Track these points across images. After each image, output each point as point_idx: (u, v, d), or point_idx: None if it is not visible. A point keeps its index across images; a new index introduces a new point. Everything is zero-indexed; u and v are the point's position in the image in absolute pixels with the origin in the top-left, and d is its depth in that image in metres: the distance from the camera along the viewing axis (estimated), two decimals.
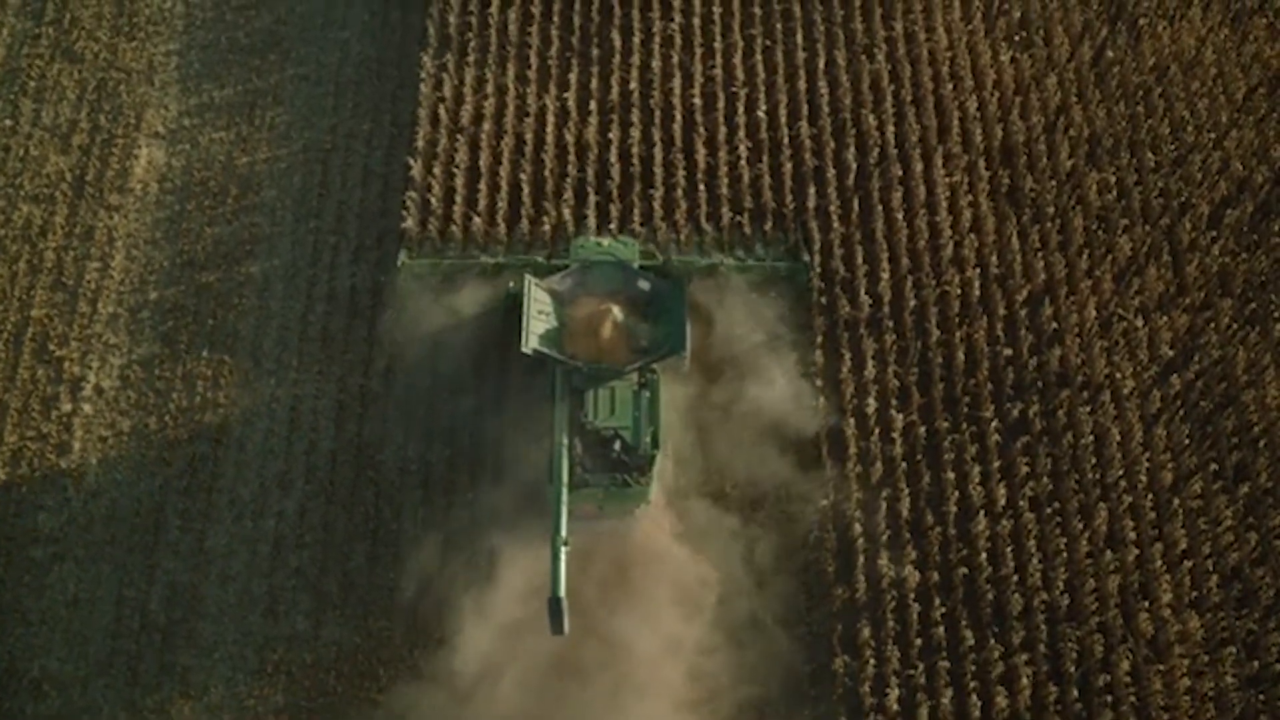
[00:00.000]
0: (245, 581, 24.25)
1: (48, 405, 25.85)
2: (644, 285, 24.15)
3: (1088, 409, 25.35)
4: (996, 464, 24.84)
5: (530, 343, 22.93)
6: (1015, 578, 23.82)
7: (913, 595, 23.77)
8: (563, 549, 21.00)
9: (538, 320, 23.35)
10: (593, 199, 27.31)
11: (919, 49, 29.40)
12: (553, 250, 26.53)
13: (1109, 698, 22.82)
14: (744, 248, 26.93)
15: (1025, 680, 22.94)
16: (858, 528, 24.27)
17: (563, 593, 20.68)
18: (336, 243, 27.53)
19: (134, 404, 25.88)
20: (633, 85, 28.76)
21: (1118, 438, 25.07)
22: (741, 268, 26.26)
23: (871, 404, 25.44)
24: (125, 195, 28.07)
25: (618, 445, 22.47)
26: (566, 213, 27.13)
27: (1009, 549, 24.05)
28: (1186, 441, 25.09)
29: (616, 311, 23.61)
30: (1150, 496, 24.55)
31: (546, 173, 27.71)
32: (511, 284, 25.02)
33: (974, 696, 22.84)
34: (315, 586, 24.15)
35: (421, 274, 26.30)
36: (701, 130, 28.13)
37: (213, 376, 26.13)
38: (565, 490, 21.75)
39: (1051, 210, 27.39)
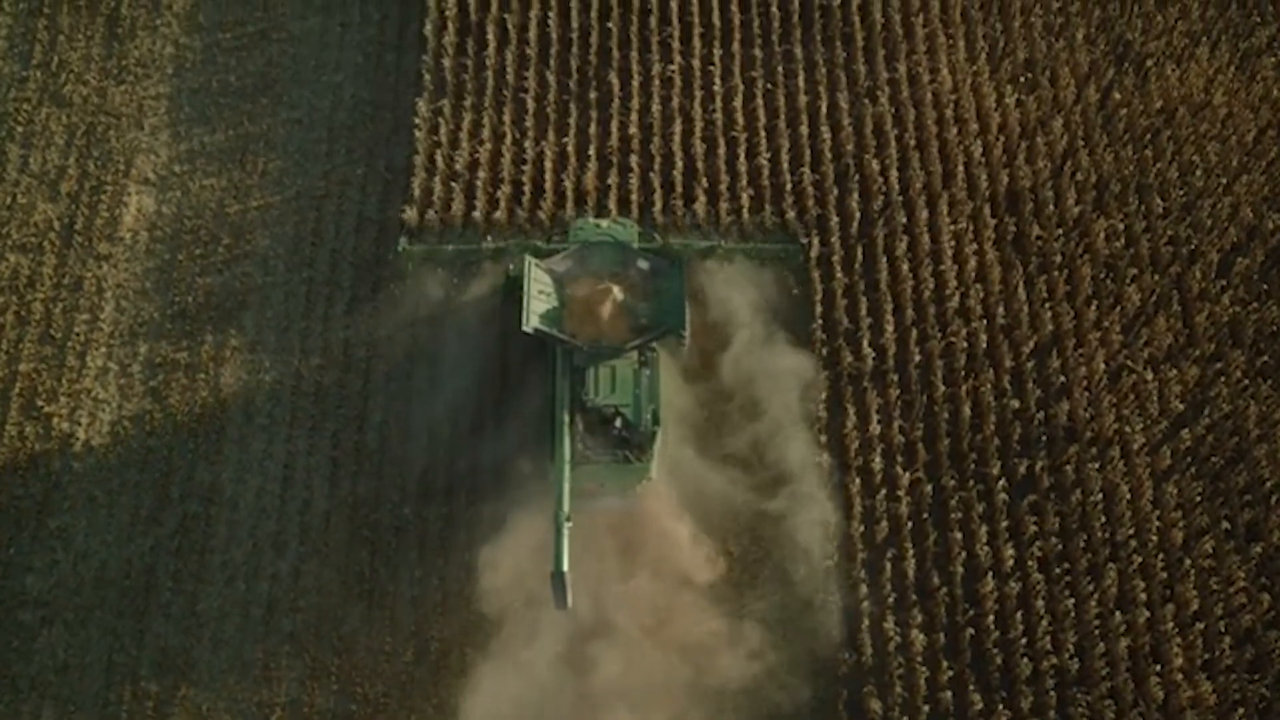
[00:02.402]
0: (238, 646, 23.73)
1: (35, 462, 25.31)
2: (643, 265, 24.22)
3: (1096, 465, 24.90)
4: (1004, 523, 24.38)
5: (531, 322, 23.06)
6: (1024, 641, 23.38)
7: (920, 659, 23.31)
8: (565, 525, 21.21)
9: (538, 300, 23.48)
10: None
11: (922, 91, 28.91)
12: (552, 233, 26.47)
13: None
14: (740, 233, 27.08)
15: None
16: (863, 589, 23.82)
17: (565, 567, 20.90)
18: (330, 293, 27.01)
19: (124, 461, 25.35)
20: (632, 130, 28.27)
21: (1127, 495, 24.62)
22: (738, 249, 26.22)
23: (877, 460, 24.97)
24: (115, 244, 27.53)
25: (618, 423, 22.67)
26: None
27: (1017, 611, 23.60)
28: (1197, 499, 24.64)
29: (616, 291, 23.71)
30: (1161, 556, 24.09)
31: (545, 221, 27.19)
32: (511, 267, 25.07)
33: None
34: (309, 651, 23.63)
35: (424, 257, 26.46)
36: (703, 178, 27.62)
37: (204, 432, 25.63)
38: (567, 467, 21.95)
39: (1058, 259, 26.92)
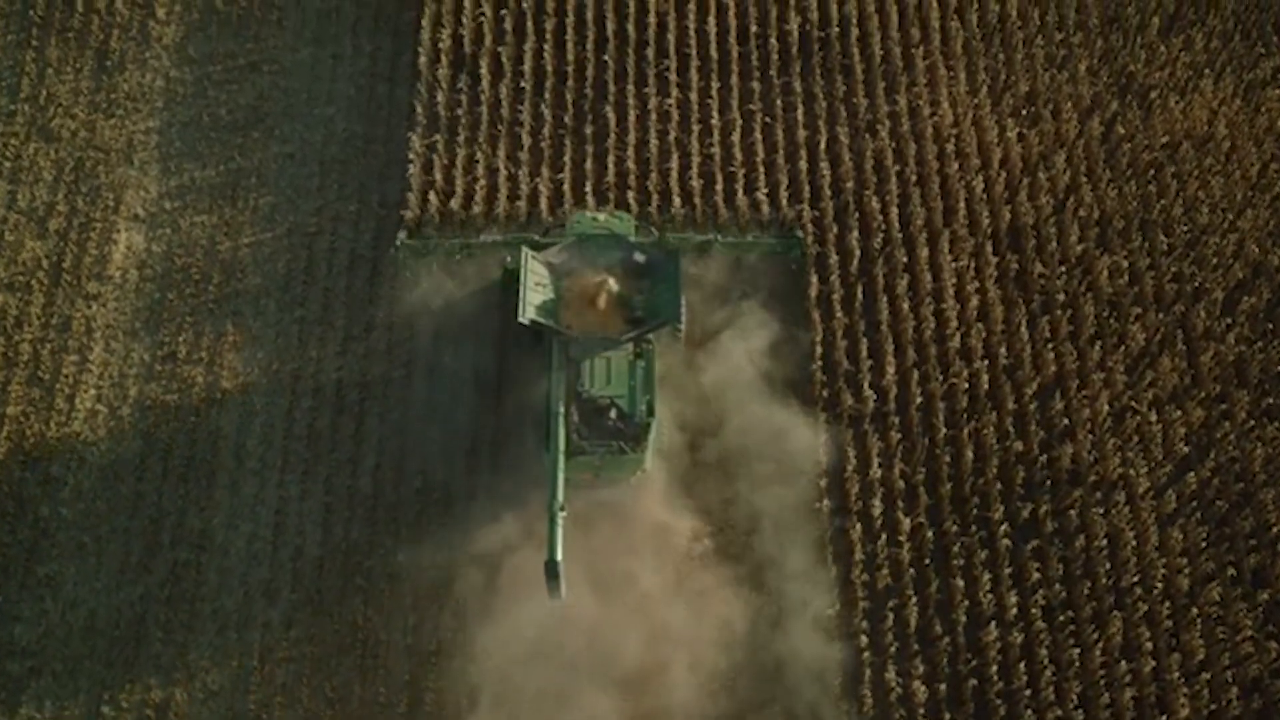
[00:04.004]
0: (229, 698, 23.34)
1: (24, 508, 24.90)
2: (639, 257, 24.42)
3: (1101, 510, 24.57)
4: (1007, 569, 24.03)
5: (527, 313, 23.24)
6: (1027, 691, 23.03)
7: (922, 710, 22.98)
8: (559, 515, 21.54)
9: (535, 291, 23.69)
10: None
11: (923, 125, 28.49)
12: (549, 227, 26.52)
13: None
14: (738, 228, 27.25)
15: None
16: (864, 638, 23.46)
17: (559, 557, 21.16)
18: (323, 333, 26.60)
19: (114, 507, 24.94)
20: (629, 165, 27.84)
21: (1132, 540, 24.28)
22: (735, 244, 26.41)
23: (877, 505, 24.61)
24: (104, 283, 27.08)
25: (613, 413, 22.95)
26: None
27: (1021, 661, 23.25)
28: (1203, 544, 24.31)
29: (612, 283, 23.95)
30: (1166, 603, 23.76)
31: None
32: (509, 259, 25.06)
33: None
34: (302, 703, 23.24)
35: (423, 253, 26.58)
36: (700, 214, 27.20)
37: (195, 477, 25.22)
38: (562, 458, 22.22)
39: (1061, 297, 26.55)
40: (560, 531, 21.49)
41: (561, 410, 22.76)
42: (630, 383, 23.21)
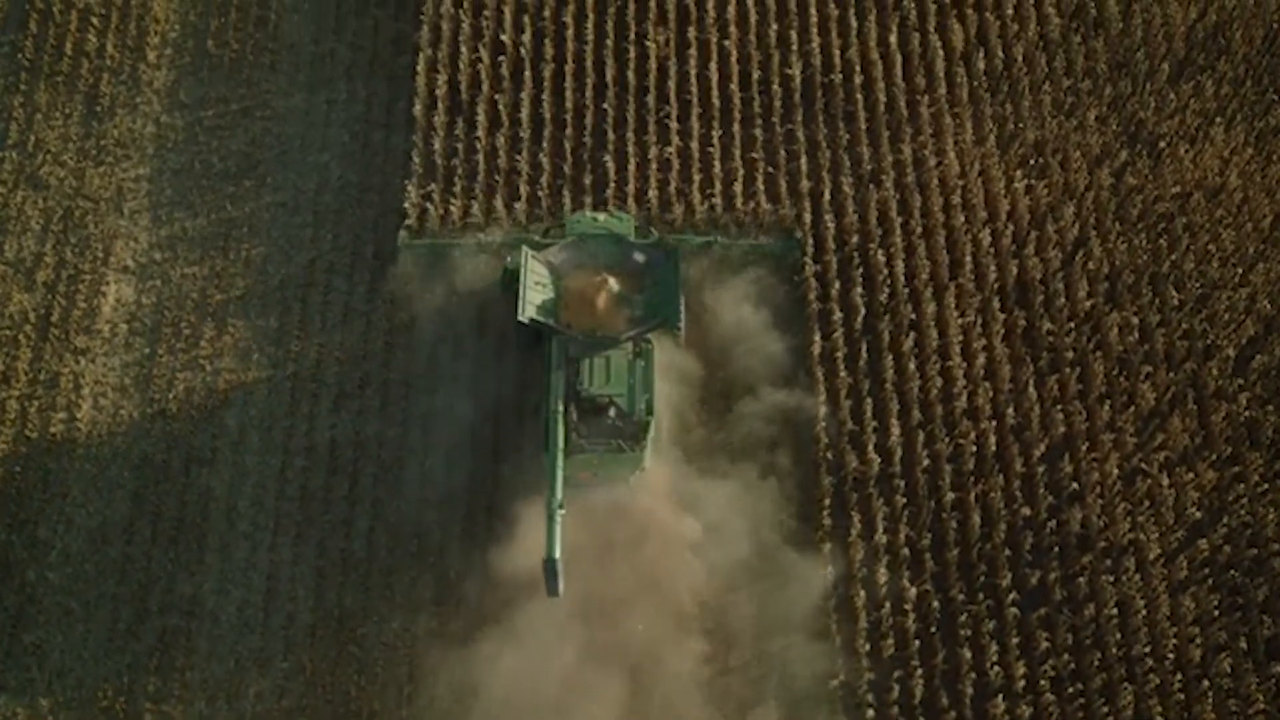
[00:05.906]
0: None
1: (10, 572, 24.42)
2: (639, 257, 24.79)
3: (1110, 576, 24.03)
4: (1015, 639, 23.51)
5: (527, 312, 23.65)
6: None
7: None
8: (558, 513, 21.82)
9: (535, 290, 24.07)
10: None
11: (928, 174, 27.89)
12: (549, 227, 26.61)
13: None
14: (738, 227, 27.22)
15: None
16: (870, 712, 22.94)
17: (558, 554, 21.46)
18: (316, 390, 26.08)
19: (102, 571, 24.46)
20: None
21: (1143, 609, 23.74)
22: (734, 245, 26.61)
23: (882, 572, 24.09)
24: (93, 338, 26.54)
25: (613, 412, 23.26)
26: None
27: None
28: (1215, 613, 23.77)
29: (612, 282, 24.38)
30: (1178, 675, 23.21)
31: None
32: (509, 259, 25.26)
33: None
34: None
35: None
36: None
37: (185, 540, 24.75)
38: (561, 456, 22.47)
39: (1070, 355, 25.99)
40: (559, 530, 21.66)
41: (560, 409, 22.89)
42: (629, 381, 23.49)
